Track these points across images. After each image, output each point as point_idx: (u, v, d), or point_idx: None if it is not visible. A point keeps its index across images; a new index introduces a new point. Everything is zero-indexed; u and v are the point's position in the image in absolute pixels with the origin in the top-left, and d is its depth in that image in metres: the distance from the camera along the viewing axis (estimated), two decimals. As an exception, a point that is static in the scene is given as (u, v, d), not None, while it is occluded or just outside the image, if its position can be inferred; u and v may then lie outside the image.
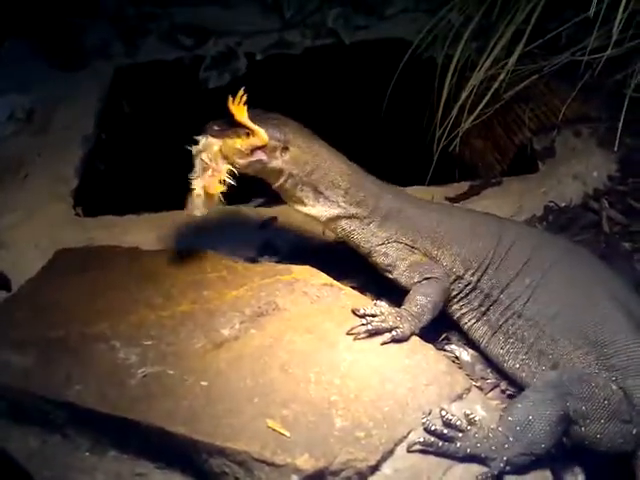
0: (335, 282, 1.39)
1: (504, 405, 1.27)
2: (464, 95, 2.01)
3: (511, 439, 1.11)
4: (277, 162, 1.37)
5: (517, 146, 1.99)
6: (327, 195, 1.41)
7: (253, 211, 1.77)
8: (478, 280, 1.38)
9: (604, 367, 1.21)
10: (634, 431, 1.15)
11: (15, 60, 2.33)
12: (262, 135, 1.34)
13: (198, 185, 1.37)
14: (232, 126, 1.36)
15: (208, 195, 1.35)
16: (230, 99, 1.34)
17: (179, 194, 1.93)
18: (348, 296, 1.35)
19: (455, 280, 1.39)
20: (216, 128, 1.37)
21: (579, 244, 1.60)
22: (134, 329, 1.25)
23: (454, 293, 1.39)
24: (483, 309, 1.38)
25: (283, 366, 1.19)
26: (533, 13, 1.98)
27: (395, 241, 1.41)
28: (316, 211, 1.42)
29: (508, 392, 1.33)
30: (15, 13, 2.32)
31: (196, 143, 1.40)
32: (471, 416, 1.16)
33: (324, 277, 1.40)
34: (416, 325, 1.30)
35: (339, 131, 2.48)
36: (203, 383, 1.16)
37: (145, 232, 1.67)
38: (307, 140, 1.40)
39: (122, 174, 2.15)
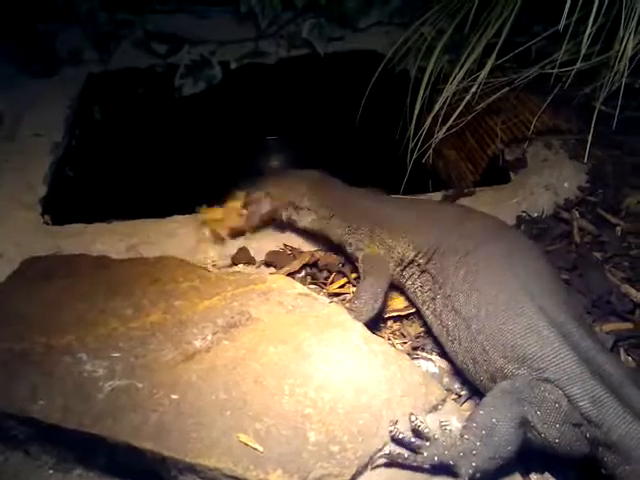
0: (310, 291, 1.38)
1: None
2: (437, 107, 2.03)
3: (478, 444, 1.11)
4: (268, 209, 1.70)
5: (489, 157, 2.02)
6: (299, 204, 1.67)
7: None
8: (426, 263, 1.46)
9: (539, 379, 1.19)
10: (587, 434, 1.16)
11: (-18, 66, 2.28)
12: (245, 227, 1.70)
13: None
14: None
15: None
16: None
17: (149, 202, 1.91)
18: (323, 306, 1.34)
19: (408, 264, 1.50)
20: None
21: (551, 254, 1.62)
22: (102, 341, 1.22)
23: (409, 276, 1.50)
24: (432, 296, 1.43)
25: (256, 378, 1.16)
26: (503, 28, 2.02)
27: (355, 232, 1.60)
28: (302, 224, 1.68)
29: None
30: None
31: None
32: (445, 425, 1.16)
33: (299, 286, 1.38)
34: (361, 318, 1.39)
35: (313, 141, 2.51)
36: (173, 396, 1.13)
37: (115, 241, 1.63)
38: (277, 179, 1.76)
39: (92, 182, 2.11)
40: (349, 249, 1.60)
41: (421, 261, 1.47)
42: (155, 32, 2.36)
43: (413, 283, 1.49)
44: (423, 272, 1.46)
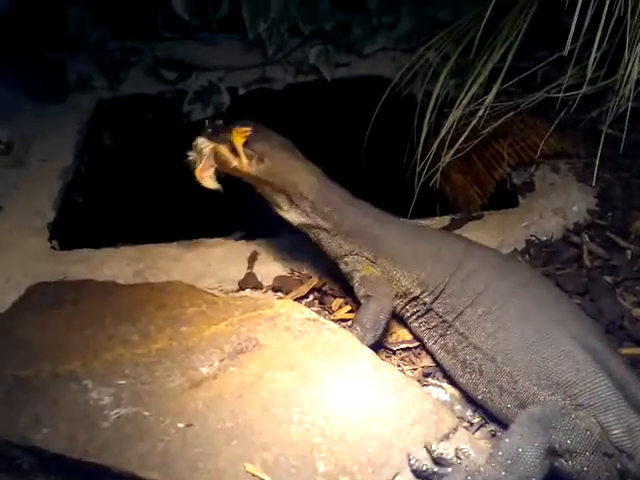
0: (318, 317, 1.37)
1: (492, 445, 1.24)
2: (443, 131, 2.04)
3: (503, 473, 1.09)
4: (252, 170, 1.55)
5: (497, 181, 2.01)
6: (297, 204, 1.56)
7: (234, 244, 1.74)
8: (432, 302, 1.42)
9: (572, 407, 1.18)
10: (617, 465, 1.13)
11: (-6, 92, 2.32)
12: (243, 162, 1.54)
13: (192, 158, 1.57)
14: (225, 131, 1.56)
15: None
16: (236, 127, 1.54)
17: (157, 227, 1.91)
18: (331, 331, 1.33)
19: (412, 300, 1.46)
20: (210, 131, 1.58)
21: (561, 278, 1.61)
22: (108, 368, 1.21)
23: (413, 312, 1.46)
24: (440, 332, 1.40)
25: (264, 406, 1.15)
26: (509, 53, 2.03)
27: (357, 254, 1.52)
28: (289, 216, 1.57)
29: (496, 431, 1.30)
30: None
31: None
32: (463, 450, 1.14)
33: (307, 311, 1.37)
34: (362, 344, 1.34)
35: (321, 165, 2.51)
36: (179, 425, 1.12)
37: (122, 266, 1.63)
38: (282, 154, 1.58)
39: (101, 207, 2.12)
40: (345, 268, 1.54)
41: (427, 299, 1.43)
42: (164, 59, 2.39)
43: (417, 319, 1.46)
44: (429, 311, 1.43)
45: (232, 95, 2.36)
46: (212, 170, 1.56)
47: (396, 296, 1.48)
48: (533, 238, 1.74)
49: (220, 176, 1.57)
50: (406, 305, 1.47)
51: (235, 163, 1.53)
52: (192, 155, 1.57)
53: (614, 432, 1.14)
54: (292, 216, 1.56)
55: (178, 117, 2.35)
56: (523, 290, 1.36)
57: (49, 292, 1.43)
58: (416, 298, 1.45)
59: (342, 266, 1.54)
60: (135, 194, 2.18)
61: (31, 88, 2.31)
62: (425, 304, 1.43)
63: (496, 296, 1.36)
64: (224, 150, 1.54)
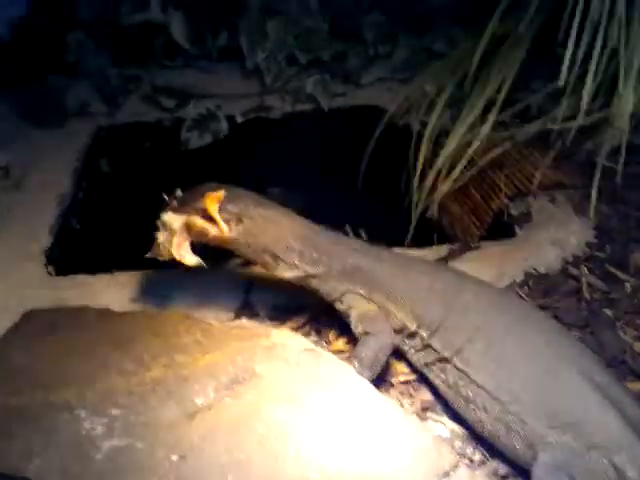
0: (315, 347, 1.36)
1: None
2: (440, 161, 2.05)
3: None
4: (232, 234, 1.47)
5: (494, 211, 2.02)
6: (284, 258, 1.49)
7: (231, 272, 1.73)
8: (429, 338, 1.39)
9: (585, 446, 1.16)
10: None
11: (-8, 117, 2.33)
12: (223, 228, 1.45)
13: (162, 238, 1.46)
14: (192, 200, 1.47)
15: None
16: (207, 193, 1.45)
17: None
18: (329, 363, 1.31)
19: (409, 335, 1.43)
20: (175, 204, 1.48)
21: (561, 311, 1.60)
22: (101, 397, 1.19)
23: (410, 347, 1.44)
24: (440, 367, 1.38)
25: (260, 439, 1.13)
26: (504, 84, 2.06)
27: (351, 292, 1.48)
28: (279, 273, 1.51)
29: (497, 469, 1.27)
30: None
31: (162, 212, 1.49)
32: None
33: (304, 342, 1.36)
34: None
35: (317, 194, 2.52)
36: (173, 457, 1.10)
37: (118, 292, 1.62)
38: (260, 210, 1.50)
39: (97, 233, 2.11)
40: (341, 307, 1.50)
41: (424, 334, 1.41)
42: (163, 86, 2.41)
43: (416, 353, 1.44)
44: (427, 346, 1.41)
45: (230, 123, 2.38)
46: (187, 244, 1.46)
47: (394, 331, 1.45)
48: (532, 270, 1.74)
49: (194, 248, 1.47)
50: (404, 339, 1.45)
51: (214, 231, 1.45)
52: (161, 235, 1.46)
53: (629, 473, 1.12)
54: (281, 272, 1.50)
55: (176, 144, 2.36)
56: (522, 325, 1.35)
57: (44, 318, 1.42)
58: (413, 333, 1.43)
59: (338, 305, 1.51)
60: (132, 220, 2.17)
61: (30, 113, 2.32)
62: (422, 339, 1.41)
63: (495, 331, 1.34)
64: (198, 220, 1.45)
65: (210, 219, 1.44)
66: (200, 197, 1.45)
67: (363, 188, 2.31)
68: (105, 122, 2.36)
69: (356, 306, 1.47)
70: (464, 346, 1.34)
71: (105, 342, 1.32)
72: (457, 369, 1.33)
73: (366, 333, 1.43)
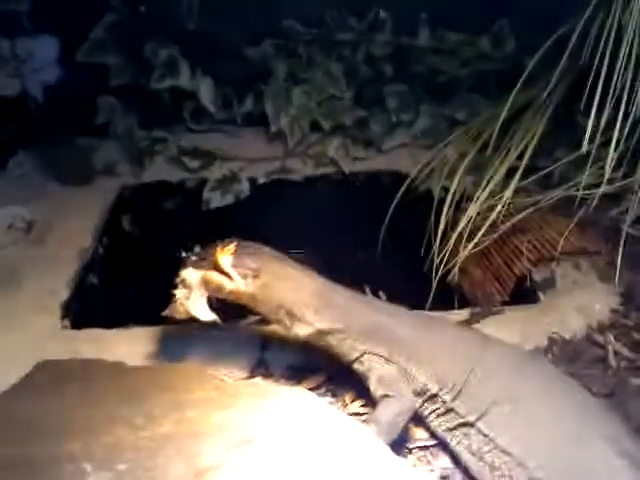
0: (330, 409, 1.31)
1: None
2: (461, 225, 2.04)
3: None
4: (249, 289, 1.44)
5: (517, 277, 1.98)
6: (300, 316, 1.45)
7: (246, 329, 1.71)
8: (452, 401, 1.34)
9: None
10: None
11: (22, 173, 2.39)
12: (239, 284, 1.44)
13: (180, 295, 1.45)
14: (210, 256, 1.45)
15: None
16: (218, 247, 1.45)
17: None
18: (344, 425, 1.26)
19: (430, 398, 1.37)
20: (194, 260, 1.48)
21: (587, 379, 1.53)
22: (109, 451, 1.14)
23: (431, 411, 1.38)
24: (462, 432, 1.32)
25: (270, 501, 1.08)
26: (525, 151, 2.08)
27: (370, 353, 1.43)
28: (295, 331, 1.46)
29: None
30: (27, 129, 2.41)
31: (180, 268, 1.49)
32: None
33: (319, 403, 1.31)
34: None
35: (336, 257, 2.52)
36: (180, 518, 1.04)
37: (132, 347, 1.59)
38: (277, 265, 1.48)
39: (115, 289, 2.11)
40: (359, 368, 1.45)
41: (446, 397, 1.36)
42: (189, 149, 2.47)
43: (437, 418, 1.38)
44: (449, 410, 1.35)
45: (251, 184, 2.41)
46: (204, 300, 1.44)
47: (414, 394, 1.40)
48: (556, 336, 1.69)
49: (212, 305, 1.46)
50: (424, 403, 1.39)
51: (230, 286, 1.43)
52: (179, 292, 1.45)
53: None
54: (298, 330, 1.45)
55: (197, 204, 2.40)
56: (548, 389, 1.30)
57: (56, 370, 1.39)
58: (434, 396, 1.37)
59: (356, 366, 1.46)
60: (150, 278, 2.17)
61: (58, 171, 2.38)
62: (444, 402, 1.36)
63: (520, 395, 1.29)
64: (215, 275, 1.43)
65: (226, 274, 1.42)
66: (215, 253, 1.44)
67: (383, 252, 2.31)
68: (130, 182, 2.42)
69: (375, 368, 1.42)
70: (489, 410, 1.28)
71: (116, 395, 1.29)
72: (482, 434, 1.28)
73: (385, 397, 1.38)
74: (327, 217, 2.48)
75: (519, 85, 2.05)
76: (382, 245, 2.28)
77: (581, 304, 1.77)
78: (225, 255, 1.42)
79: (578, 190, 1.95)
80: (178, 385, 1.33)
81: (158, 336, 1.63)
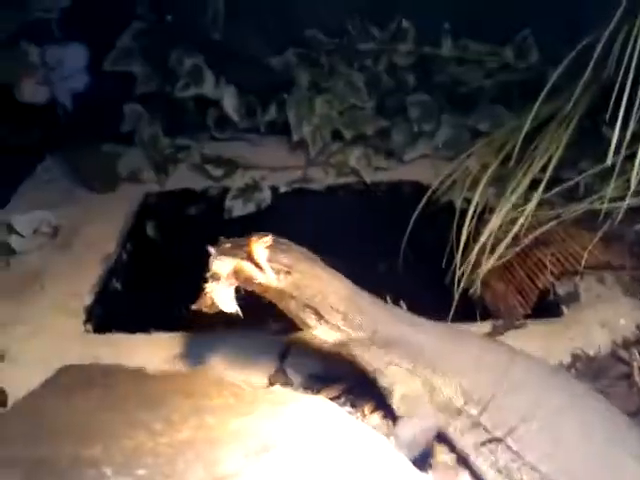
0: (350, 419, 1.30)
1: None
2: (483, 238, 2.02)
3: None
4: (279, 284, 1.42)
5: (540, 290, 1.96)
6: (327, 319, 1.43)
7: (267, 337, 1.71)
8: (479, 415, 1.31)
9: None
10: None
11: (49, 179, 2.44)
12: (270, 278, 1.42)
13: (210, 289, 1.43)
14: (242, 246, 1.44)
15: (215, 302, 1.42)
16: (254, 237, 1.42)
17: (190, 317, 1.89)
18: (364, 436, 1.25)
19: (455, 412, 1.34)
20: (228, 247, 1.45)
21: (611, 396, 1.50)
22: (129, 455, 1.14)
23: (456, 426, 1.35)
24: (489, 448, 1.29)
25: (289, 510, 1.07)
26: (549, 163, 2.05)
27: (395, 365, 1.41)
28: (319, 333, 1.45)
29: None
30: (55, 135, 2.45)
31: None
32: None
33: (338, 412, 1.30)
34: None
35: (356, 267, 2.51)
36: (198, 524, 1.05)
37: (153, 352, 1.61)
38: (309, 265, 1.46)
39: (138, 295, 2.13)
40: (383, 381, 1.43)
41: (473, 412, 1.33)
42: (212, 157, 2.50)
43: (462, 433, 1.35)
44: (476, 425, 1.32)
45: (273, 193, 2.42)
46: (231, 291, 1.42)
47: (438, 409, 1.37)
48: (579, 351, 1.66)
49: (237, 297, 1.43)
50: (449, 418, 1.36)
51: (262, 279, 1.41)
52: (210, 287, 1.42)
53: None
54: (322, 333, 1.44)
55: (220, 212, 2.41)
56: (577, 404, 1.28)
57: (77, 374, 1.41)
58: (460, 410, 1.34)
59: (380, 379, 1.43)
60: (172, 283, 2.19)
61: (84, 178, 2.42)
62: (471, 417, 1.33)
63: (550, 410, 1.26)
64: (248, 266, 1.41)
65: (259, 266, 1.40)
66: (250, 244, 1.41)
67: (404, 263, 2.29)
68: (154, 189, 2.45)
69: (399, 382, 1.40)
70: (518, 425, 1.25)
71: (136, 400, 1.30)
72: (510, 450, 1.25)
73: (408, 415, 1.36)
74: (348, 226, 2.48)
75: (543, 96, 2.03)
76: (403, 256, 2.27)
77: (605, 319, 1.75)
78: (261, 247, 1.40)
79: (603, 203, 1.93)
80: (197, 391, 1.34)
81: (178, 342, 1.65)
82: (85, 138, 2.47)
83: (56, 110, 2.42)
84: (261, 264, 1.40)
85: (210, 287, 1.42)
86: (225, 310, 1.42)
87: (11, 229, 2.12)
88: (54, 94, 2.39)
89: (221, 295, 1.41)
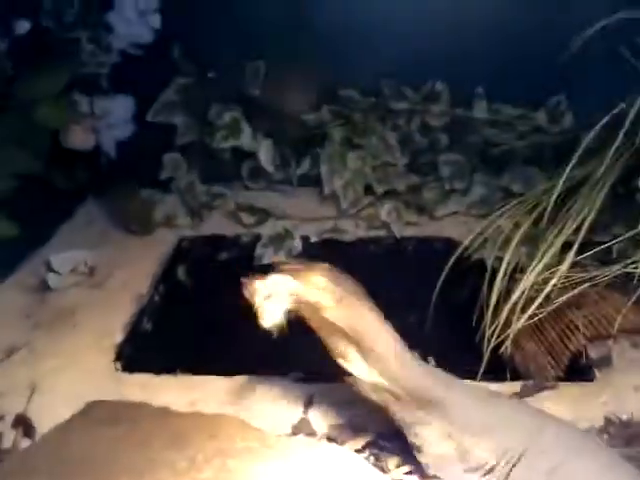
0: (372, 471, 1.28)
1: None
2: (514, 297, 2.00)
3: None
4: (331, 312, 1.38)
5: (572, 352, 1.91)
6: (368, 361, 1.40)
7: (291, 385, 1.70)
8: (508, 474, 1.28)
9: None
10: None
11: (89, 221, 2.52)
12: (325, 302, 1.38)
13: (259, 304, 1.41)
14: (306, 271, 1.41)
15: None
16: (321, 268, 1.42)
17: (217, 361, 1.90)
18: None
19: (485, 474, 1.32)
20: (286, 267, 1.44)
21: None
22: (151, 493, 1.15)
23: None
24: None
25: None
26: (582, 226, 2.05)
27: (429, 424, 1.38)
28: (354, 370, 1.41)
29: None
30: (97, 180, 2.55)
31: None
32: None
33: (361, 464, 1.29)
34: None
35: (386, 320, 2.49)
36: None
37: (178, 393, 1.61)
38: (360, 300, 1.44)
39: (167, 336, 2.14)
40: (414, 440, 1.40)
41: (503, 470, 1.30)
42: (246, 205, 2.55)
43: None
44: None
45: (304, 242, 2.45)
46: (283, 310, 1.39)
47: (470, 469, 1.34)
48: (612, 416, 1.62)
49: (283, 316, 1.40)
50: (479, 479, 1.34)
51: (315, 301, 1.38)
52: (262, 295, 1.40)
53: None
54: (358, 370, 1.40)
55: (250, 259, 2.44)
56: (606, 473, 1.25)
57: (104, 410, 1.42)
58: (490, 471, 1.32)
59: (411, 437, 1.41)
60: (200, 326, 2.21)
61: (123, 221, 2.49)
62: (499, 476, 1.30)
63: (575, 474, 1.24)
64: (315, 293, 1.37)
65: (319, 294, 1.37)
66: (313, 271, 1.39)
67: (434, 319, 2.27)
68: (188, 233, 2.50)
69: (431, 442, 1.37)
70: None
71: (160, 438, 1.30)
72: None
73: (438, 473, 1.35)
74: (377, 279, 2.48)
75: (575, 159, 2.05)
76: (433, 312, 2.25)
77: (639, 383, 1.70)
78: (319, 272, 1.39)
79: (637, 268, 1.91)
80: (221, 434, 1.34)
81: (204, 386, 1.65)
82: (125, 184, 2.56)
83: (100, 157, 2.53)
84: (318, 287, 1.37)
85: (259, 303, 1.41)
86: (266, 326, 1.39)
87: (49, 267, 2.18)
88: (99, 142, 2.50)
89: (269, 312, 1.39)
